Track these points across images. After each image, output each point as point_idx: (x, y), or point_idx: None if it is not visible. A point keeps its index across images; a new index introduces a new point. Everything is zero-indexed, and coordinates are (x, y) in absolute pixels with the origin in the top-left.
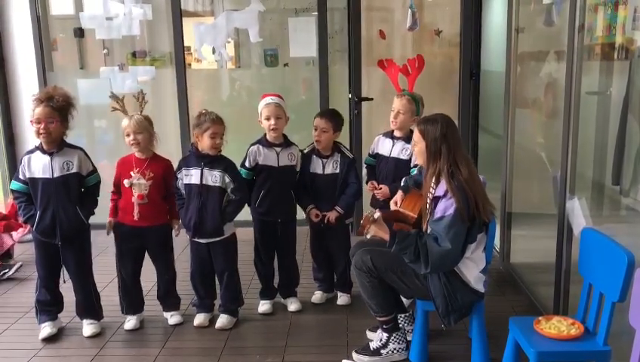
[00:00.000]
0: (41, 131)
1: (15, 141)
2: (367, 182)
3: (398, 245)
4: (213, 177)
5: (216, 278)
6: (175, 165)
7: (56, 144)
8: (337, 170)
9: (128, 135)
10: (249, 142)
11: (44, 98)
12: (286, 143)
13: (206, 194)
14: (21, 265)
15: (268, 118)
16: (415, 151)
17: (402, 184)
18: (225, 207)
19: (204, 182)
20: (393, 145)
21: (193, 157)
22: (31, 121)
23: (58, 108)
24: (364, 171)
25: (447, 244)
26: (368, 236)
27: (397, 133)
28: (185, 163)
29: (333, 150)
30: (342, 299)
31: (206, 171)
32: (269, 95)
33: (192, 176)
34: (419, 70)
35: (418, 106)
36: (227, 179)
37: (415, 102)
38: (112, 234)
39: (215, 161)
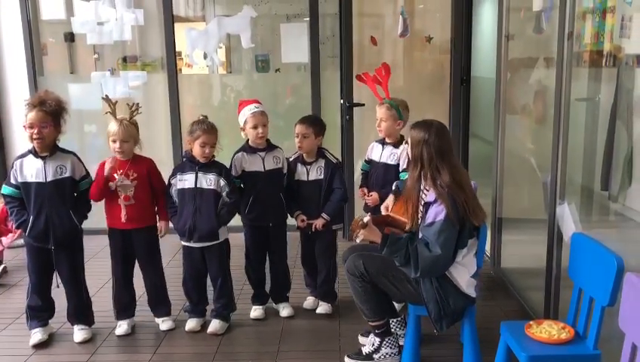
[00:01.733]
0: (35, 136)
1: (4, 145)
2: (360, 188)
3: (389, 248)
4: (208, 180)
5: (208, 283)
6: (164, 168)
7: (49, 148)
8: (321, 176)
9: (114, 141)
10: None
11: (37, 103)
12: (269, 147)
13: (200, 197)
14: (5, 268)
15: (255, 127)
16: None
17: (393, 188)
18: (220, 210)
19: (198, 185)
20: (382, 151)
21: (187, 163)
22: (24, 126)
23: (51, 113)
24: (359, 177)
25: (437, 250)
26: (358, 240)
27: (387, 139)
28: (180, 169)
29: (318, 156)
30: (322, 307)
31: (200, 174)
32: (250, 102)
33: (186, 181)
34: (387, 77)
35: (399, 111)
36: (222, 183)
37: (394, 107)
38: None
39: (209, 164)
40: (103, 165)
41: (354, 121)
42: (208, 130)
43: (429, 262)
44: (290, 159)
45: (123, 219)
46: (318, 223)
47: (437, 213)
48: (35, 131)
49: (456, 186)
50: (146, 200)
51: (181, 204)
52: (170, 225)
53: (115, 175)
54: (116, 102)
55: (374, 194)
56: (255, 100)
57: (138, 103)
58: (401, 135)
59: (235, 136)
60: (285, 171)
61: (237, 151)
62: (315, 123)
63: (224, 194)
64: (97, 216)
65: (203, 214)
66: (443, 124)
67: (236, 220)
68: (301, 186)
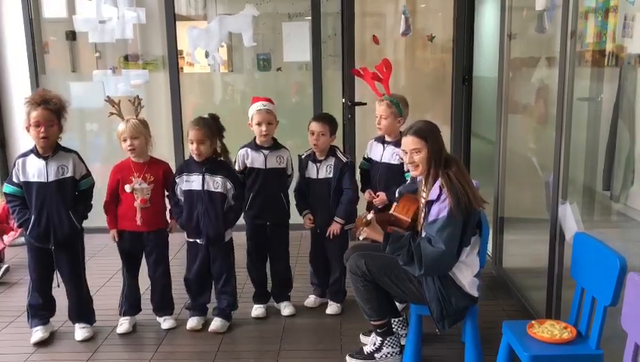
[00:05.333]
0: (41, 135)
1: (6, 144)
2: (362, 190)
3: (392, 246)
4: (215, 183)
5: (210, 282)
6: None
7: (52, 148)
8: (331, 175)
9: (125, 140)
10: (240, 146)
11: (41, 101)
12: (275, 146)
13: (208, 200)
14: (8, 268)
15: (259, 124)
16: (417, 160)
17: (396, 195)
18: (226, 213)
19: (205, 188)
20: (384, 150)
21: (194, 163)
22: (28, 126)
23: (55, 111)
24: (358, 177)
25: (440, 245)
26: (361, 237)
27: (387, 138)
28: (186, 168)
29: (328, 154)
30: (331, 308)
31: (207, 177)
32: (260, 99)
33: (192, 183)
34: (388, 73)
35: (399, 108)
36: (229, 185)
37: (395, 104)
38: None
39: (216, 166)
40: (118, 171)
41: (356, 119)
42: (194, 125)
43: (432, 257)
44: (303, 156)
45: (139, 222)
46: (335, 229)
47: (440, 210)
48: (42, 130)
49: (461, 174)
50: (160, 203)
51: (188, 205)
52: None
53: (132, 178)
54: (119, 101)
55: (382, 195)
56: (266, 98)
57: (138, 96)
58: (401, 131)
59: (237, 134)
60: (290, 172)
61: (242, 147)
62: (331, 121)
63: (230, 196)
64: (99, 214)
65: (211, 217)
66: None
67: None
68: (310, 184)
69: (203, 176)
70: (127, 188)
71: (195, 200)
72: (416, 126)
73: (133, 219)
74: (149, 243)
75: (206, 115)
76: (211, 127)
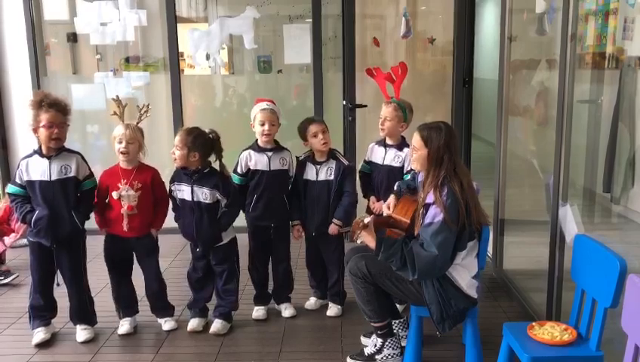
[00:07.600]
0: (55, 136)
1: (7, 145)
2: (364, 196)
3: (384, 253)
4: (204, 194)
5: (212, 280)
6: (165, 172)
7: (56, 148)
8: (331, 177)
9: (120, 142)
10: (241, 149)
11: (52, 103)
12: (278, 148)
13: (199, 210)
14: (17, 276)
15: (262, 124)
16: (414, 157)
17: (395, 188)
18: (219, 218)
19: (195, 199)
20: (386, 153)
21: (182, 173)
22: (36, 127)
23: (65, 113)
24: (358, 181)
25: (433, 250)
26: (359, 241)
27: (389, 141)
28: (177, 178)
29: (329, 156)
30: (332, 310)
31: (196, 188)
32: (264, 100)
33: (183, 192)
34: (403, 76)
35: (405, 113)
36: (219, 196)
37: (402, 108)
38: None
39: (204, 177)
40: (106, 177)
41: (356, 122)
42: (181, 131)
43: (425, 262)
44: (301, 158)
45: (125, 228)
46: (333, 230)
47: (435, 214)
48: (56, 131)
49: (465, 191)
50: (148, 209)
51: (183, 212)
52: (175, 225)
53: (119, 184)
54: (126, 104)
55: (378, 204)
56: (270, 100)
57: (148, 105)
58: (402, 136)
59: (237, 136)
60: (292, 174)
61: (245, 149)
62: (322, 120)
63: (222, 204)
64: None
65: (204, 225)
66: (450, 124)
67: (240, 220)
68: (309, 186)
69: (192, 187)
70: (115, 194)
71: (187, 210)
72: (425, 125)
73: (121, 225)
74: (139, 248)
75: (207, 130)
76: (197, 137)
